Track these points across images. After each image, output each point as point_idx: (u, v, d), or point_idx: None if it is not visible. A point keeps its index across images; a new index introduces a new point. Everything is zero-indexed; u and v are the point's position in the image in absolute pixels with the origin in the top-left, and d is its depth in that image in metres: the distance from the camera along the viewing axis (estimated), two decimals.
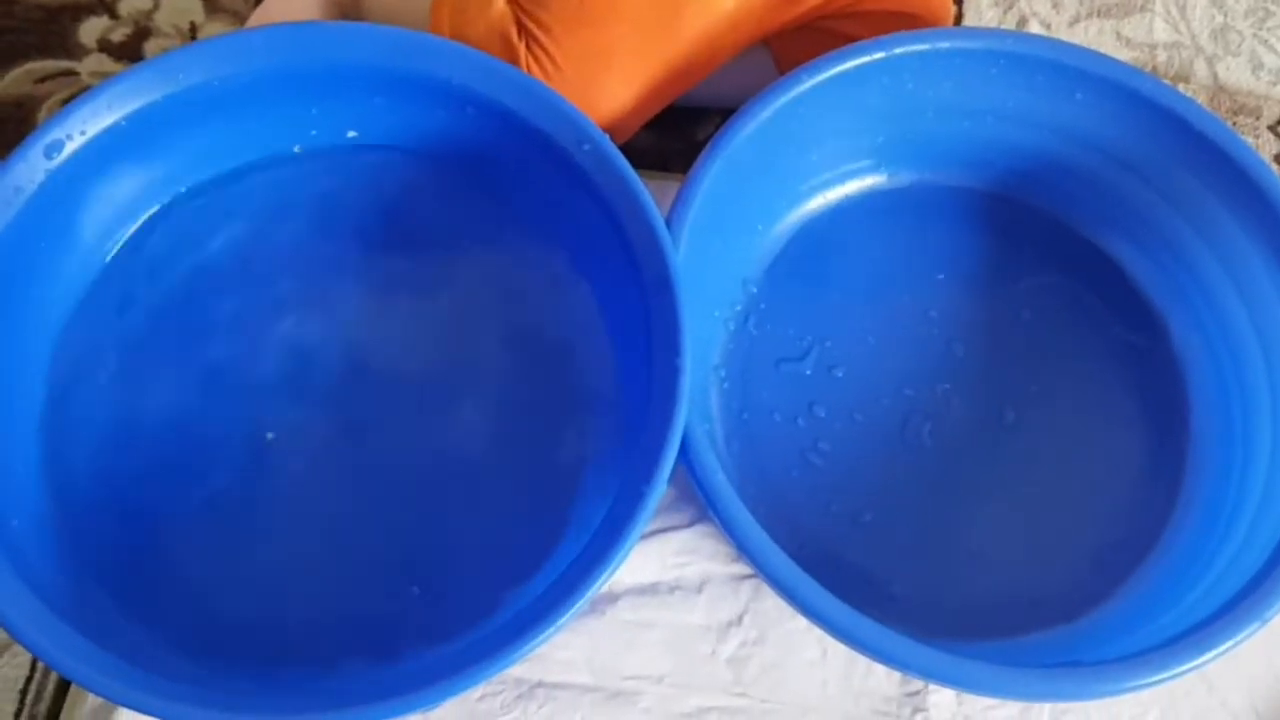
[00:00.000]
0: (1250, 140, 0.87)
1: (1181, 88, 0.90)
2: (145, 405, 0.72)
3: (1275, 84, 0.96)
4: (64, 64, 0.95)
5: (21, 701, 0.75)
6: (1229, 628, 0.63)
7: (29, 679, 0.76)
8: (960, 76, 0.77)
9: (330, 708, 0.57)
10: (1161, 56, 0.97)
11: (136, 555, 0.68)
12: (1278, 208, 0.73)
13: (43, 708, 0.75)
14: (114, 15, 0.97)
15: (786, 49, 0.85)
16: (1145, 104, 0.76)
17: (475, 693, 0.69)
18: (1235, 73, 0.97)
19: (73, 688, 0.72)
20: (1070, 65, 0.76)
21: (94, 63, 0.95)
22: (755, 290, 0.79)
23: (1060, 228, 0.82)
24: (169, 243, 0.75)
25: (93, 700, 0.69)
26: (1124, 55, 0.97)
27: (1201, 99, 0.93)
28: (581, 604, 0.59)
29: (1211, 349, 0.78)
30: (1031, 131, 0.80)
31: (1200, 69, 0.97)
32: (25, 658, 0.76)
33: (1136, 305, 0.80)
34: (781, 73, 0.75)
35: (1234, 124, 0.93)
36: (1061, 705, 0.71)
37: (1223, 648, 0.62)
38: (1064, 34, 0.97)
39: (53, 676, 0.76)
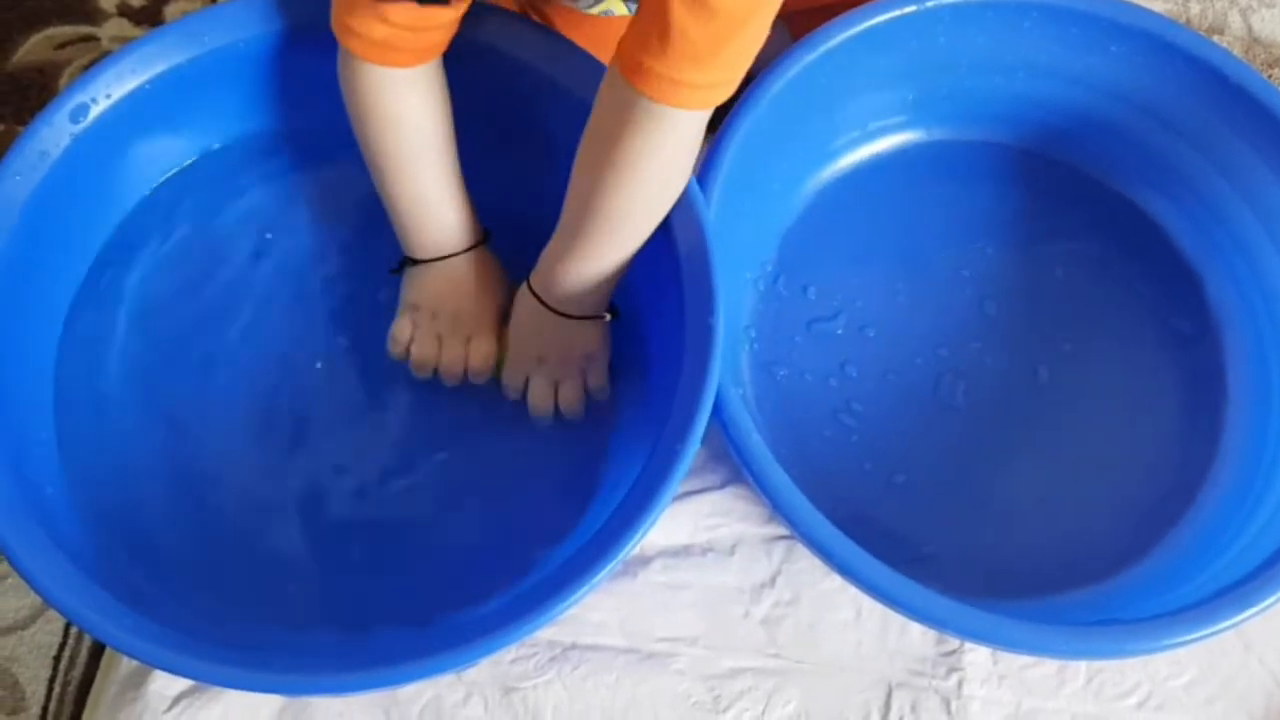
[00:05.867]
0: None
1: (1215, 40, 0.89)
2: (165, 364, 0.72)
3: None
4: (84, 29, 0.95)
5: (55, 667, 0.76)
6: (1266, 586, 0.62)
7: (62, 645, 0.76)
8: (993, 30, 0.76)
9: (365, 667, 0.57)
10: (1195, 9, 0.96)
11: (167, 522, 0.68)
12: None
13: (76, 673, 0.76)
14: None
15: (805, 29, 0.83)
16: (1180, 56, 0.75)
17: (509, 655, 0.69)
18: (1270, 24, 0.95)
19: (106, 653, 0.72)
20: (1103, 17, 0.75)
21: (114, 27, 0.95)
22: (786, 250, 0.78)
23: (1094, 184, 0.81)
24: (193, 205, 0.75)
25: (126, 665, 0.70)
26: (1156, 7, 0.95)
27: (1236, 51, 0.92)
28: (614, 565, 0.59)
29: (1249, 306, 0.77)
30: (1065, 86, 0.79)
31: (1234, 21, 0.95)
32: (58, 624, 0.77)
33: (1172, 262, 0.79)
34: None
35: (1269, 76, 0.92)
36: (1097, 664, 0.71)
37: (1260, 606, 0.62)
38: None
39: (86, 642, 0.77)
